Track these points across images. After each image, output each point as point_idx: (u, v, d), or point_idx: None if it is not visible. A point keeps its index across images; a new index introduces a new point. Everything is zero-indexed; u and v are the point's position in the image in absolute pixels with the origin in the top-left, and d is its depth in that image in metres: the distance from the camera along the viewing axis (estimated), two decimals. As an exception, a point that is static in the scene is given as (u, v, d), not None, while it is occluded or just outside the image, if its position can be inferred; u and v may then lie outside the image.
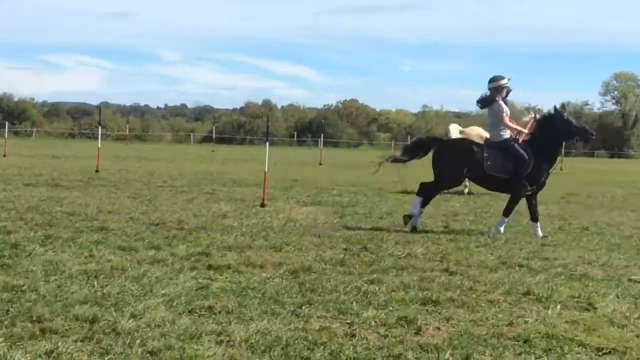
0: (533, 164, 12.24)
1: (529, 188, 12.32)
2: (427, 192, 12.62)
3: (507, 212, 12.46)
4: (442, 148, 12.91)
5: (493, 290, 7.63)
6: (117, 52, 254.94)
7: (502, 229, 12.23)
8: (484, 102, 12.68)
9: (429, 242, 10.76)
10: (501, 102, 12.46)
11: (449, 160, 12.58)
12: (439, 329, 6.08)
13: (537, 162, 12.29)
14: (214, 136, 72.56)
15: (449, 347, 5.59)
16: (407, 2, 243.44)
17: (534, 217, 12.32)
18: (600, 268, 9.14)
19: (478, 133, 17.14)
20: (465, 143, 13.42)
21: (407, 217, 12.26)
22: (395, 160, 13.21)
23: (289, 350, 5.38)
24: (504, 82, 12.50)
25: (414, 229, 12.09)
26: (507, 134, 12.49)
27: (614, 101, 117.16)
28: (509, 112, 12.48)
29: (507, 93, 12.70)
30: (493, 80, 12.52)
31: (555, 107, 13.00)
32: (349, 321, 6.22)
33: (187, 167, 31.25)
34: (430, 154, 12.83)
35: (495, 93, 12.44)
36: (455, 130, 18.93)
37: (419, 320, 6.23)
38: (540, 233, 12.05)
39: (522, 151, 12.26)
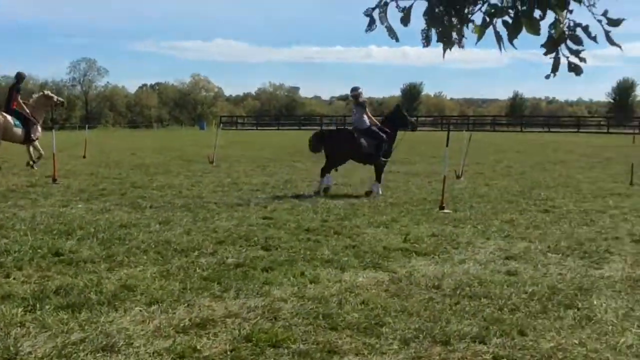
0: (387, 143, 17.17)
1: (385, 160, 17.32)
2: (326, 171, 16.85)
3: (379, 178, 17.07)
4: (332, 137, 17.42)
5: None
6: None
7: (381, 190, 16.80)
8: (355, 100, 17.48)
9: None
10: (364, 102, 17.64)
11: (339, 145, 16.91)
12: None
13: (389, 141, 17.29)
14: None
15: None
16: None
17: (379, 179, 17.06)
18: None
19: None
20: (347, 132, 17.72)
21: (325, 189, 16.54)
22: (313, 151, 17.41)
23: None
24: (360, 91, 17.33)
25: (327, 189, 16.62)
26: (368, 123, 17.18)
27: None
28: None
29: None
30: (354, 90, 17.41)
31: (397, 105, 19.32)
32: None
33: None
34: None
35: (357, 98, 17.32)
36: None
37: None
38: (380, 191, 16.64)
39: (381, 134, 17.06)
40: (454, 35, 4.16)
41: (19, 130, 21.20)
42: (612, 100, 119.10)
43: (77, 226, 11.21)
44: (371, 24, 4.15)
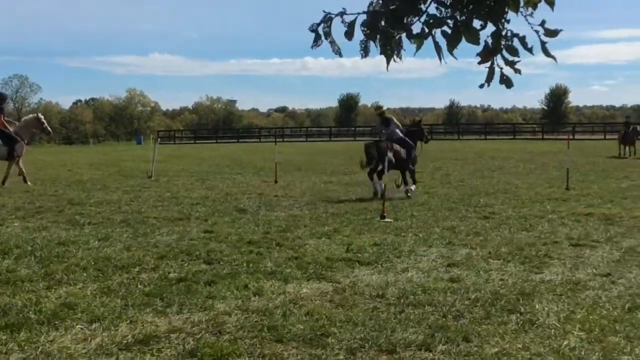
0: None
1: (413, 166, 19.01)
2: (380, 177, 18.33)
3: (414, 180, 18.87)
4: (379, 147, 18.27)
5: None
6: None
7: (415, 189, 18.53)
8: None
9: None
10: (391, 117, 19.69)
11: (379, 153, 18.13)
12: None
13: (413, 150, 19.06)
14: None
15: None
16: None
17: (414, 181, 18.83)
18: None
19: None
20: (387, 142, 18.38)
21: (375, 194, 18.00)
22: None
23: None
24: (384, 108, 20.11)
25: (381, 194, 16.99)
26: (400, 134, 19.09)
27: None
28: None
29: None
30: (378, 107, 20.38)
31: (419, 120, 20.47)
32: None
33: None
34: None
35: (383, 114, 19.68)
36: None
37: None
38: (414, 189, 18.55)
39: (411, 143, 18.94)
40: (393, 45, 4.16)
41: (3, 149, 21.36)
42: (545, 107, 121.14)
43: (13, 245, 10.98)
44: (317, 40, 4.13)
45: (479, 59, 4.01)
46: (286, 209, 15.71)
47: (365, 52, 4.18)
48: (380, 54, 4.15)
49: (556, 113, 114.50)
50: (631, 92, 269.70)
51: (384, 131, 19.52)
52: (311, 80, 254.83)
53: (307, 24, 4.13)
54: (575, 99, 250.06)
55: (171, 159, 29.94)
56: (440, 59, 4.05)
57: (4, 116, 21.99)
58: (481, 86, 4.09)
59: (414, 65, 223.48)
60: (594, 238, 11.70)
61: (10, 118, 23.05)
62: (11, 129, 21.78)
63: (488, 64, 4.00)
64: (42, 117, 23.48)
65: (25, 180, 21.93)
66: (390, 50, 4.12)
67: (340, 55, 4.22)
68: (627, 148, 38.70)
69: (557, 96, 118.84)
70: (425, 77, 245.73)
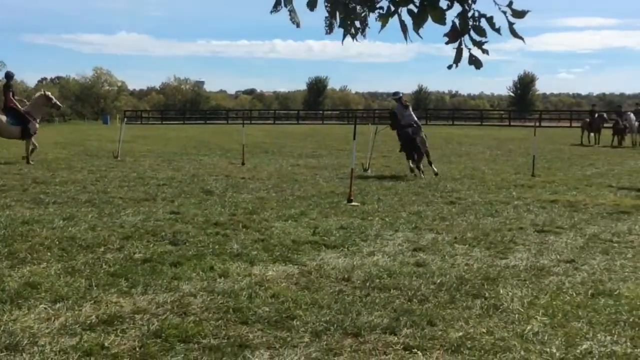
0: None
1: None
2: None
3: (430, 161, 20.15)
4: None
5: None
6: None
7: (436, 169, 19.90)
8: None
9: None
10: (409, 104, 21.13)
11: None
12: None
13: None
14: None
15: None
16: None
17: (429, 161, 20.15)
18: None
19: None
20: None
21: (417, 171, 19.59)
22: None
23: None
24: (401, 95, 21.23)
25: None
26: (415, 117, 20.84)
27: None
28: None
29: None
30: (396, 94, 21.41)
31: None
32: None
33: None
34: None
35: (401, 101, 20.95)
36: None
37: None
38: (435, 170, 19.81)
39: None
40: (358, 24, 4.15)
41: (15, 128, 22.41)
42: (512, 94, 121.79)
43: (-24, 223, 10.88)
44: (276, 5, 4.09)
45: (447, 41, 4.00)
46: (253, 191, 15.67)
47: (330, 28, 4.16)
48: (339, 27, 4.13)
49: (523, 100, 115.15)
50: (597, 80, 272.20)
51: (404, 114, 20.52)
52: (280, 62, 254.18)
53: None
54: (542, 86, 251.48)
55: (138, 140, 29.76)
56: (405, 38, 4.02)
57: (13, 95, 22.94)
58: (449, 67, 4.08)
59: (383, 49, 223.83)
60: (559, 224, 11.79)
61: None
62: (22, 109, 22.72)
63: (456, 44, 3.99)
64: (49, 93, 24.22)
65: (28, 160, 22.16)
66: (351, 24, 4.11)
67: (298, 26, 4.19)
68: (592, 135, 39.05)
69: (525, 84, 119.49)
70: (394, 62, 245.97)
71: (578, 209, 13.59)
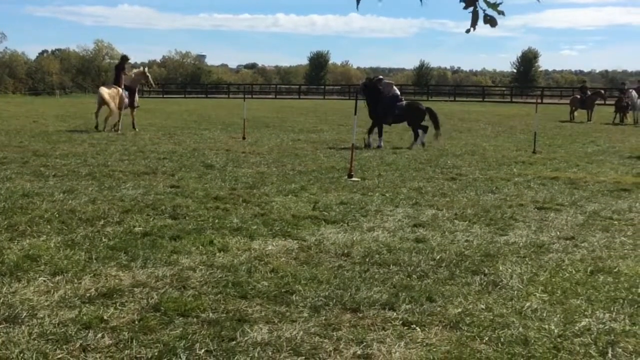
0: None
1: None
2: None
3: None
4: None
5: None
6: None
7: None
8: None
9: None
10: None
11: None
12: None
13: None
14: None
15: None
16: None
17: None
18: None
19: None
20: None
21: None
22: None
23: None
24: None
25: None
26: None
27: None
28: None
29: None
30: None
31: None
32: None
33: None
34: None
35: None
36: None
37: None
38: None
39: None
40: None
41: (126, 100, 25.11)
42: (515, 70, 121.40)
43: (-24, 195, 10.88)
44: None
45: (464, 6, 4.02)
46: (253, 166, 15.66)
47: None
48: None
49: (526, 77, 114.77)
50: (600, 57, 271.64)
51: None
52: (282, 37, 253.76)
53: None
54: (545, 63, 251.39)
55: (138, 113, 29.69)
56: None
57: (123, 73, 25.35)
58: (467, 31, 4.13)
59: (386, 24, 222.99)
60: (559, 201, 11.79)
61: None
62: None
63: (472, 8, 4.02)
64: (148, 72, 26.99)
65: (116, 127, 24.44)
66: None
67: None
68: (575, 113, 39.02)
69: (527, 60, 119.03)
70: (397, 37, 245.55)
71: (578, 186, 13.58)
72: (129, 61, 27.52)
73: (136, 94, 26.14)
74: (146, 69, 27.21)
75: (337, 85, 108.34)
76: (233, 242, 8.32)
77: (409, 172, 15.22)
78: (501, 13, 4.00)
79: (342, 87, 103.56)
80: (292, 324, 5.69)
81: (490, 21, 4.04)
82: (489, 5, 3.96)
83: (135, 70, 26.87)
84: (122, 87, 25.00)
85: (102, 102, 24.26)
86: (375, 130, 21.58)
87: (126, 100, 25.06)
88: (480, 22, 4.07)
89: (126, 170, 14.23)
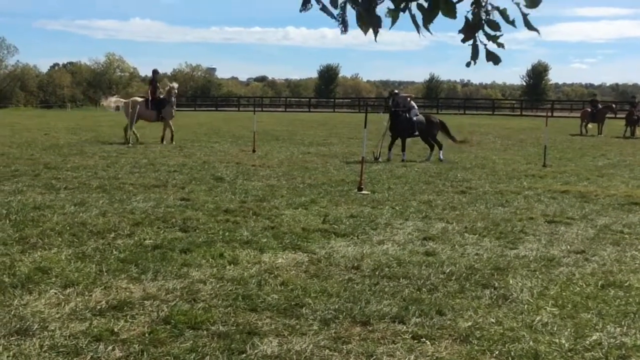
0: None
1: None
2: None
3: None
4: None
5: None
6: None
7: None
8: None
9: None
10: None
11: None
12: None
13: None
14: None
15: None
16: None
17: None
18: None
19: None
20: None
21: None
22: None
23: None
24: None
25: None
26: None
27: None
28: None
29: None
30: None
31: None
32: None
33: None
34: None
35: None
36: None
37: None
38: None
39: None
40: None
41: (152, 112, 26.10)
42: (525, 83, 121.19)
43: (-12, 208, 10.92)
44: (306, 4, 4.01)
45: (460, 34, 3.96)
46: (263, 179, 15.68)
47: (344, 26, 4.06)
48: (357, 24, 4.05)
49: (536, 90, 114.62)
50: (611, 70, 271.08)
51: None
52: (292, 50, 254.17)
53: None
54: (555, 76, 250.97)
55: (149, 126, 29.78)
56: (418, 32, 3.97)
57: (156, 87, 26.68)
58: (468, 64, 4.02)
59: (396, 38, 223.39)
60: (570, 215, 11.77)
61: None
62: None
63: (471, 41, 3.94)
64: (175, 88, 27.42)
65: (162, 140, 25.96)
66: (366, 21, 4.02)
67: (345, 26, 4.02)
68: (592, 126, 38.87)
69: (537, 73, 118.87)
70: (407, 50, 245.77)
71: (589, 199, 13.55)
72: (159, 74, 28.41)
73: (171, 107, 26.40)
74: (174, 85, 27.76)
75: (347, 99, 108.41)
76: (243, 255, 8.33)
77: (419, 185, 15.22)
78: (501, 46, 3.92)
79: (352, 100, 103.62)
80: (302, 337, 5.69)
81: (493, 58, 3.95)
82: (489, 37, 3.89)
83: (169, 86, 27.47)
84: (154, 99, 26.07)
85: (132, 113, 25.60)
86: (397, 142, 21.84)
87: (150, 111, 26.05)
88: (483, 57, 3.99)
89: (137, 183, 14.27)
